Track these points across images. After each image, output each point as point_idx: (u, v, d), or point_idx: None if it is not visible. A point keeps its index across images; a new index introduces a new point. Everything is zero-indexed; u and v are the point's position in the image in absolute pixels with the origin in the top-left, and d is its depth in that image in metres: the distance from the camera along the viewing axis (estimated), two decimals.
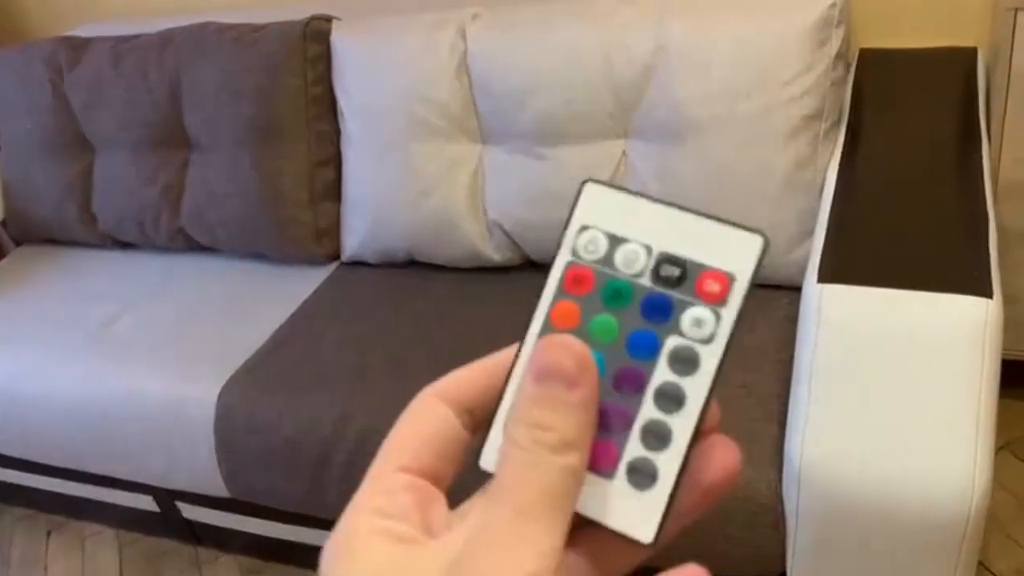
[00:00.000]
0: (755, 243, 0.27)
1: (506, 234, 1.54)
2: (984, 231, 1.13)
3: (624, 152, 1.47)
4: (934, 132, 1.37)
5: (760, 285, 1.50)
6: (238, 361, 1.48)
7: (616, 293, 0.28)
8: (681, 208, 0.28)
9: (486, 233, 1.56)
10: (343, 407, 1.35)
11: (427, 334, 1.47)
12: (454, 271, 1.62)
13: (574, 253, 0.28)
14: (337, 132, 1.67)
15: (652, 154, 1.44)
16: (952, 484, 0.99)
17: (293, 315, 1.58)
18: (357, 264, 1.70)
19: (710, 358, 0.27)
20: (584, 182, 0.29)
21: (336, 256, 1.73)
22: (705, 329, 0.27)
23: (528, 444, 0.26)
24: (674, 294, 0.27)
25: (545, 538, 0.25)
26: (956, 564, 1.03)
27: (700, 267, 0.27)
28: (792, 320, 1.33)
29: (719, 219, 0.27)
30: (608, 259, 0.28)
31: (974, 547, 1.02)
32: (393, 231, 1.60)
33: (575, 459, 0.26)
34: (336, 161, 1.68)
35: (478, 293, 1.55)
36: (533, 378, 0.27)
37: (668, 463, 0.27)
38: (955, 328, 1.01)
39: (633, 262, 0.28)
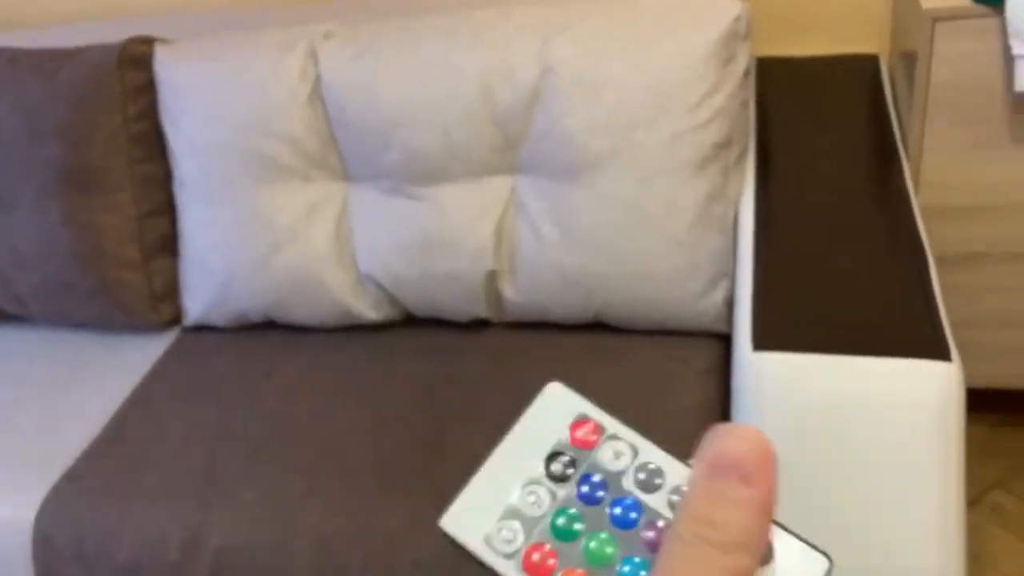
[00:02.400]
0: (558, 388, 0.29)
1: (381, 288, 1.32)
2: (926, 273, 1.00)
3: (513, 190, 1.28)
4: (848, 151, 1.24)
5: (674, 333, 1.36)
6: (60, 466, 1.21)
7: (564, 524, 0.26)
8: (497, 444, 0.28)
9: (358, 287, 1.34)
10: (193, 523, 1.10)
11: (292, 414, 1.24)
12: (322, 332, 1.39)
13: (507, 555, 0.26)
14: (168, 175, 1.40)
15: (545, 192, 1.25)
16: None
17: (128, 400, 1.31)
18: (204, 329, 1.44)
19: None
20: (439, 524, 0.27)
21: (177, 321, 1.46)
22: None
23: (691, 538, 0.24)
24: (584, 471, 0.27)
25: None
26: None
27: (564, 440, 0.28)
28: (714, 373, 1.18)
29: (522, 415, 0.28)
30: (528, 521, 0.26)
31: None
32: (243, 290, 1.36)
33: (742, 561, 0.24)
34: (170, 209, 1.42)
35: (352, 358, 1.33)
36: (706, 467, 0.25)
37: None
38: (913, 402, 0.87)
39: (539, 498, 0.27)
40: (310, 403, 1.26)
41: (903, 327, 0.93)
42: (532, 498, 0.26)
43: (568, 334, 1.30)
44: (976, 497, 1.45)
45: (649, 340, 1.26)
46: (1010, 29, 1.09)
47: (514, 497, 0.26)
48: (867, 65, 1.43)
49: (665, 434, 1.04)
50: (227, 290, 1.36)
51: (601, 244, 1.21)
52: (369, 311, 1.34)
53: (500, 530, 0.26)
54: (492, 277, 1.28)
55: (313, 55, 1.30)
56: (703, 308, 1.21)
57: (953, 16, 1.13)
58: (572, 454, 0.27)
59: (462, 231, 1.27)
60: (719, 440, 0.25)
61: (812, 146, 1.27)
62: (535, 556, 0.25)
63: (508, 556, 0.25)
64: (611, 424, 0.27)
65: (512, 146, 1.26)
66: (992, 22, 1.12)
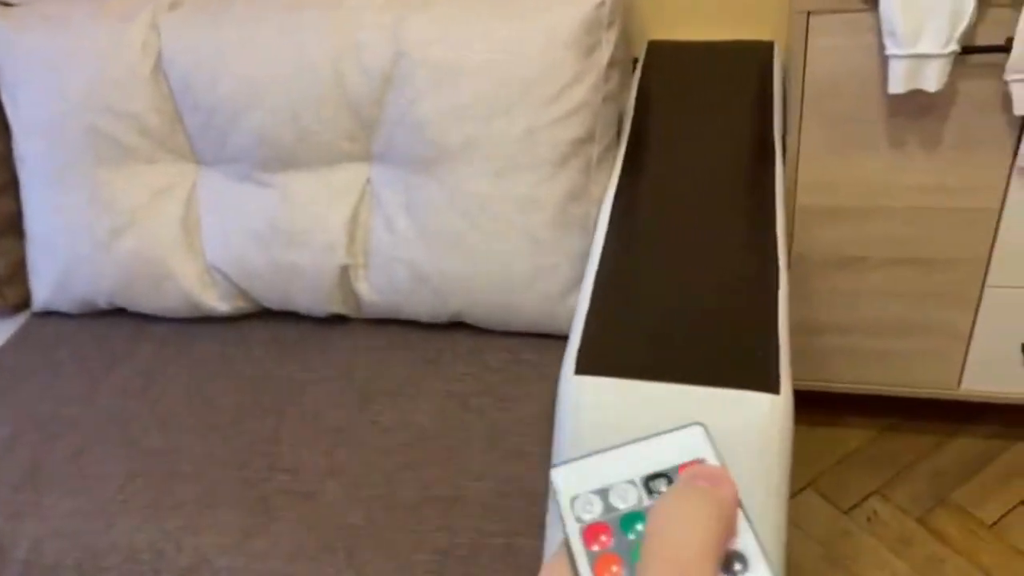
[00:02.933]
0: (698, 431, 0.33)
1: (228, 279, 1.25)
2: (774, 294, 0.94)
3: (369, 180, 1.20)
4: (725, 148, 1.17)
5: (532, 335, 1.29)
6: None
7: (633, 521, 0.30)
8: (633, 440, 0.32)
9: (205, 277, 1.26)
10: (2, 533, 1.03)
11: (127, 413, 1.17)
12: (174, 321, 1.32)
13: (579, 519, 0.31)
14: (10, 153, 1.31)
15: (400, 184, 1.17)
16: None
17: None
18: (53, 315, 1.36)
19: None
20: (551, 470, 0.32)
21: (27, 304, 1.38)
22: None
23: (682, 485, 0.30)
24: None
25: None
26: None
27: (676, 468, 0.31)
28: None
29: (662, 432, 0.32)
30: (608, 506, 0.31)
31: None
32: (85, 275, 1.27)
33: (728, 492, 0.30)
34: (15, 188, 1.33)
35: (199, 352, 1.26)
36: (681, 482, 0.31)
37: None
38: (736, 430, 0.82)
39: (627, 495, 0.31)
40: (147, 400, 1.19)
41: (734, 354, 0.87)
42: (623, 493, 0.31)
43: (429, 333, 1.23)
44: (854, 504, 1.42)
45: (512, 342, 1.20)
46: (884, 27, 1.02)
47: (612, 484, 0.31)
48: (761, 53, 1.36)
49: (499, 446, 0.98)
50: (70, 275, 1.28)
51: (456, 242, 1.14)
52: (218, 303, 1.27)
53: (587, 501, 0.31)
54: (345, 272, 1.20)
55: (156, 26, 1.21)
56: (562, 311, 1.15)
57: (828, 9, 1.06)
58: (676, 481, 0.31)
59: (312, 222, 1.19)
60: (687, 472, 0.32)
61: (688, 141, 1.20)
62: (595, 532, 0.30)
63: (579, 520, 0.30)
64: None
65: (366, 133, 1.17)
66: (867, 18, 1.05)
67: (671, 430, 0.32)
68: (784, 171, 1.20)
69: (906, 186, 1.17)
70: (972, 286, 1.25)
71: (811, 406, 1.57)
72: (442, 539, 0.97)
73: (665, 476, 0.31)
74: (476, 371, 1.17)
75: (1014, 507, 1.38)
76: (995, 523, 1.36)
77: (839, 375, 1.40)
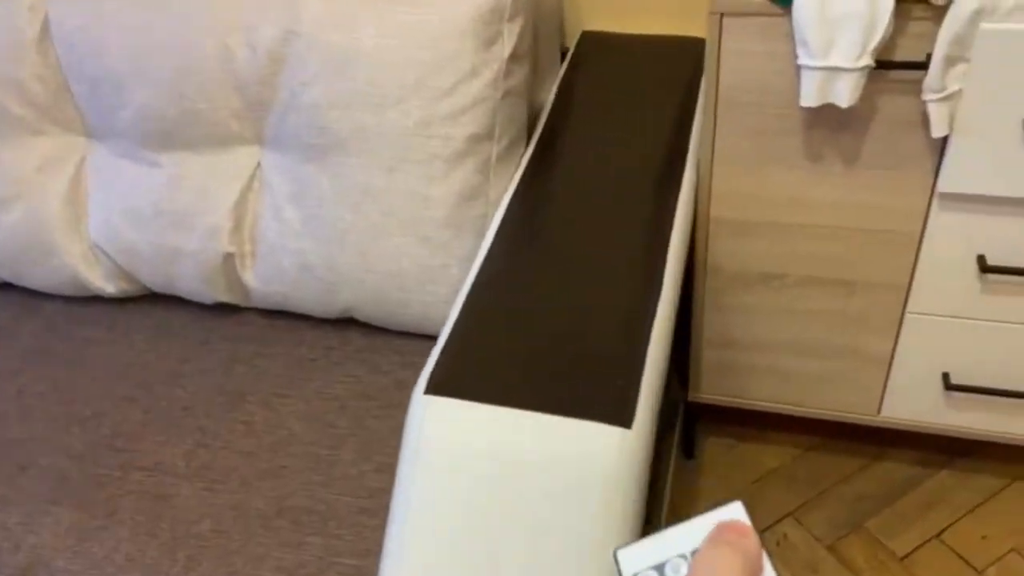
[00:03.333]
0: (738, 507, 0.39)
1: (111, 259, 1.19)
2: (649, 321, 0.88)
3: (260, 165, 1.14)
4: (636, 153, 1.11)
5: (428, 336, 1.23)
6: None
7: None
8: (686, 520, 0.39)
9: (89, 256, 1.20)
10: None
11: (5, 390, 1.12)
12: (62, 299, 1.26)
13: None
14: None
15: (289, 172, 1.11)
16: None
17: None
18: None
19: None
20: (616, 551, 0.39)
21: None
22: None
23: (711, 544, 0.38)
24: None
25: None
26: None
27: None
28: None
29: (708, 511, 0.39)
30: None
31: None
32: None
33: (753, 546, 0.38)
34: None
35: (82, 334, 1.20)
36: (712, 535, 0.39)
37: None
38: (583, 461, 0.76)
39: (679, 568, 0.38)
40: (16, 385, 1.14)
41: (592, 383, 0.81)
42: (676, 566, 0.36)
43: (320, 328, 1.18)
44: (767, 526, 1.37)
45: (405, 343, 1.15)
46: (796, 36, 0.95)
47: (667, 559, 0.36)
48: (695, 51, 1.29)
49: (370, 458, 0.93)
50: None
51: (343, 235, 1.08)
52: (104, 283, 1.21)
53: (645, 574, 0.37)
54: (230, 260, 1.14)
55: None
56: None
57: (743, 12, 0.99)
58: None
59: (197, 205, 1.13)
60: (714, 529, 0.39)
61: (601, 143, 1.13)
62: None
63: None
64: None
65: (256, 115, 1.11)
66: (784, 24, 0.98)
67: (715, 508, 0.37)
68: (697, 179, 1.13)
69: (824, 203, 1.10)
70: (892, 311, 1.18)
71: (738, 422, 1.52)
72: (289, 557, 0.92)
73: None
74: (362, 373, 1.11)
75: (927, 540, 1.33)
76: (906, 556, 1.31)
77: (758, 393, 1.34)
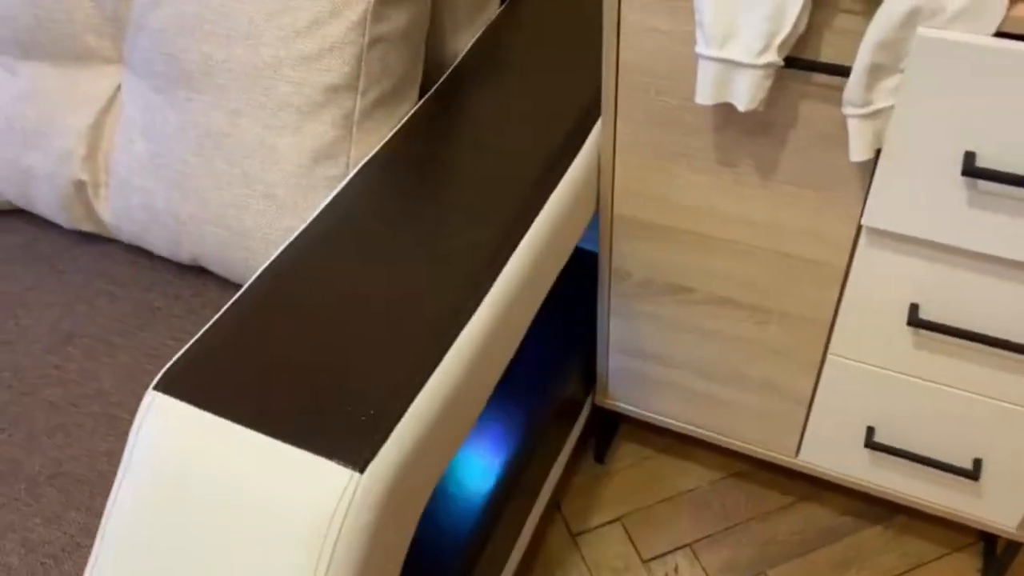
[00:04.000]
0: None
1: None
2: (443, 345, 0.75)
3: (120, 88, 1.03)
4: (535, 126, 0.96)
5: None
6: None
7: None
8: None
9: None
10: None
11: None
12: None
13: None
14: None
15: (144, 100, 1.00)
16: None
17: None
18: None
19: None
20: None
21: None
22: None
23: None
24: None
25: None
26: None
27: None
28: None
29: None
30: None
31: None
32: None
33: None
34: None
35: None
36: None
37: None
38: (304, 498, 0.65)
39: None
40: None
41: (342, 411, 0.69)
42: None
43: (178, 273, 1.08)
44: (659, 554, 1.24)
45: None
46: (696, 16, 0.77)
47: None
48: None
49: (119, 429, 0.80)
50: None
51: (185, 181, 0.97)
52: None
53: None
54: (82, 188, 1.05)
55: None
56: None
57: None
58: None
59: (51, 125, 1.03)
60: None
61: (500, 108, 0.98)
62: None
63: None
64: None
65: (114, 32, 1.00)
66: (688, 3, 0.80)
67: None
68: (599, 168, 0.98)
69: (737, 217, 0.94)
70: (813, 349, 1.01)
71: (663, 433, 1.38)
72: (40, 530, 0.83)
73: None
74: (190, 329, 1.02)
75: None
76: None
77: (668, 411, 1.19)
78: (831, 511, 1.27)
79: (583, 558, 1.24)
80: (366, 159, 0.93)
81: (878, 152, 0.80)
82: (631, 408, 1.22)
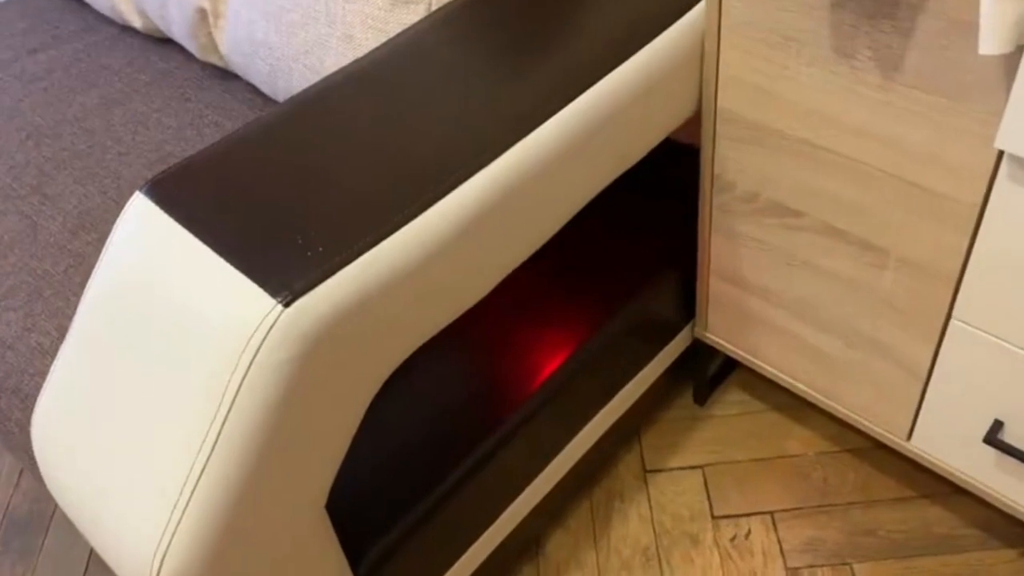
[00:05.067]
0: None
1: None
2: (429, 195, 0.67)
3: None
4: None
5: None
6: None
7: None
8: None
9: None
10: None
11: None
12: (108, 25, 1.27)
13: None
14: None
15: None
16: (136, 549, 0.65)
17: None
18: None
19: None
20: None
21: None
22: None
23: None
24: None
25: None
26: None
27: None
28: None
29: None
30: None
31: None
32: None
33: None
34: None
35: (103, 62, 1.21)
36: None
37: None
38: (234, 322, 0.61)
39: None
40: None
41: (292, 245, 0.64)
42: None
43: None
44: (732, 513, 1.10)
45: None
46: None
47: None
48: None
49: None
50: None
51: (282, 15, 0.95)
52: (134, 17, 1.20)
53: None
54: (204, 17, 1.07)
55: None
56: None
57: None
58: None
59: None
60: None
61: None
62: None
63: None
64: None
65: None
66: None
67: None
68: (702, 52, 0.84)
69: (853, 127, 0.76)
70: (934, 310, 0.82)
71: (782, 387, 1.21)
72: None
73: None
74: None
75: None
76: None
77: (770, 356, 1.04)
78: (956, 518, 1.06)
79: (648, 496, 1.13)
80: (444, 5, 0.86)
81: (1021, 50, 0.61)
82: (728, 346, 1.08)
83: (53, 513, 1.23)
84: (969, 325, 0.80)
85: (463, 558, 0.95)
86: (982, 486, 0.91)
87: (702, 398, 1.21)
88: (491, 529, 0.97)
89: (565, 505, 1.13)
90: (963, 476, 0.92)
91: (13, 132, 1.12)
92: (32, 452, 0.82)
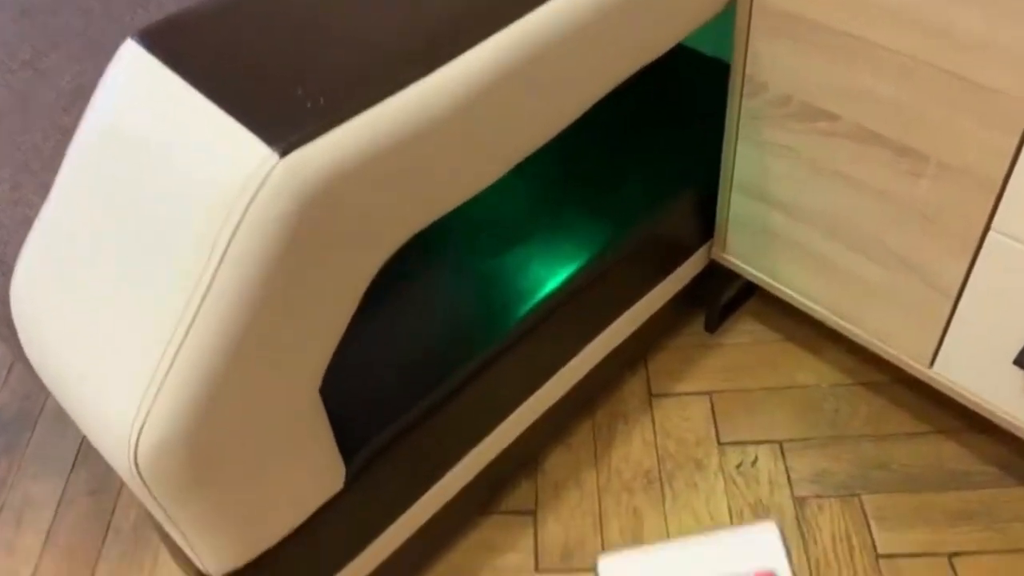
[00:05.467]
0: (772, 531, 0.27)
1: None
2: (432, 58, 0.62)
3: None
4: None
5: None
6: None
7: None
8: (698, 534, 0.28)
9: None
10: None
11: None
12: None
13: None
14: None
15: None
16: (115, 416, 0.61)
17: None
18: None
19: None
20: (597, 562, 0.28)
21: None
22: None
23: None
24: None
25: None
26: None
27: None
28: None
29: (731, 528, 0.27)
30: None
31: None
32: None
33: None
34: None
35: None
36: None
37: None
38: (229, 176, 0.57)
39: None
40: None
41: (292, 97, 0.59)
42: None
43: None
44: (739, 440, 1.06)
45: None
46: None
47: None
48: None
49: None
50: None
51: None
52: None
53: None
54: None
55: None
56: None
57: None
58: None
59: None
60: None
61: None
62: None
63: None
64: None
65: None
66: None
67: (741, 527, 0.28)
68: None
69: (897, 12, 0.71)
70: (972, 220, 0.77)
71: (796, 316, 1.17)
72: None
73: None
74: None
75: (930, 554, 0.95)
76: (887, 556, 0.95)
77: (790, 278, 0.99)
78: (971, 455, 1.03)
79: (653, 420, 1.09)
80: None
81: None
82: (747, 268, 1.03)
83: (41, 410, 1.20)
84: (1009, 237, 0.76)
85: (459, 466, 0.91)
86: (1006, 415, 0.87)
87: (713, 326, 1.17)
88: (489, 438, 0.94)
89: (567, 424, 1.10)
90: (986, 405, 0.88)
91: (7, 7, 1.07)
92: (13, 326, 0.78)
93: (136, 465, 0.59)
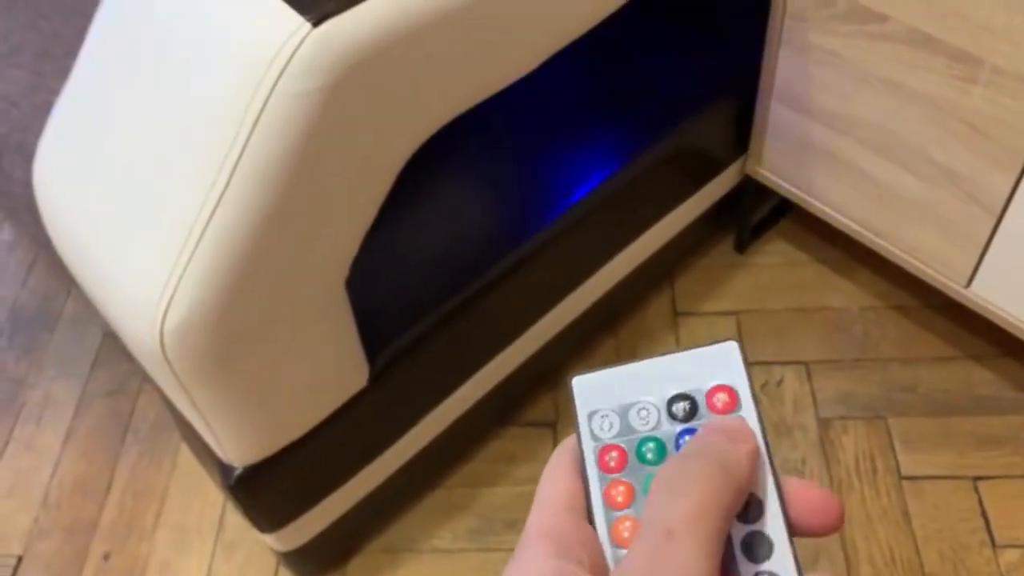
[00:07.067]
0: (733, 349, 0.29)
1: None
2: None
3: None
4: None
5: None
6: None
7: (649, 450, 0.28)
8: (661, 355, 0.29)
9: None
10: None
11: None
12: None
13: (595, 437, 0.29)
14: None
15: None
16: (141, 294, 0.60)
17: None
18: None
19: None
20: (571, 379, 0.30)
21: None
22: None
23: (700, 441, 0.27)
24: (695, 423, 0.28)
25: (694, 562, 0.23)
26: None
27: (702, 391, 0.28)
28: None
29: (693, 348, 0.29)
30: (627, 427, 0.29)
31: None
32: None
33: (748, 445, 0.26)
34: None
35: None
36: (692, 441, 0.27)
37: (782, 563, 0.26)
38: (248, 39, 0.55)
39: (648, 418, 0.29)
40: None
41: None
42: (644, 414, 0.29)
43: None
44: (767, 360, 1.05)
45: None
46: None
47: (633, 403, 0.29)
48: None
49: None
50: None
51: None
52: None
53: (604, 416, 0.29)
54: None
55: None
56: None
57: None
58: (699, 407, 0.28)
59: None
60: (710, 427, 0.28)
61: None
62: (610, 455, 0.28)
63: (595, 439, 0.28)
64: (749, 410, 0.28)
65: None
66: None
67: (703, 346, 0.29)
68: None
69: None
70: (1022, 129, 0.74)
71: (829, 239, 1.15)
72: None
73: (689, 398, 0.29)
74: None
75: (953, 477, 0.94)
76: (910, 478, 0.94)
77: (827, 194, 0.96)
78: (1001, 381, 1.01)
79: (677, 338, 1.08)
80: None
81: None
82: (782, 183, 1.01)
83: (61, 311, 1.20)
84: None
85: (481, 373, 0.90)
86: None
87: (742, 245, 1.15)
88: (510, 348, 0.92)
89: (590, 340, 1.08)
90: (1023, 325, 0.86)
91: None
92: (37, 212, 0.77)
93: (162, 344, 0.58)
